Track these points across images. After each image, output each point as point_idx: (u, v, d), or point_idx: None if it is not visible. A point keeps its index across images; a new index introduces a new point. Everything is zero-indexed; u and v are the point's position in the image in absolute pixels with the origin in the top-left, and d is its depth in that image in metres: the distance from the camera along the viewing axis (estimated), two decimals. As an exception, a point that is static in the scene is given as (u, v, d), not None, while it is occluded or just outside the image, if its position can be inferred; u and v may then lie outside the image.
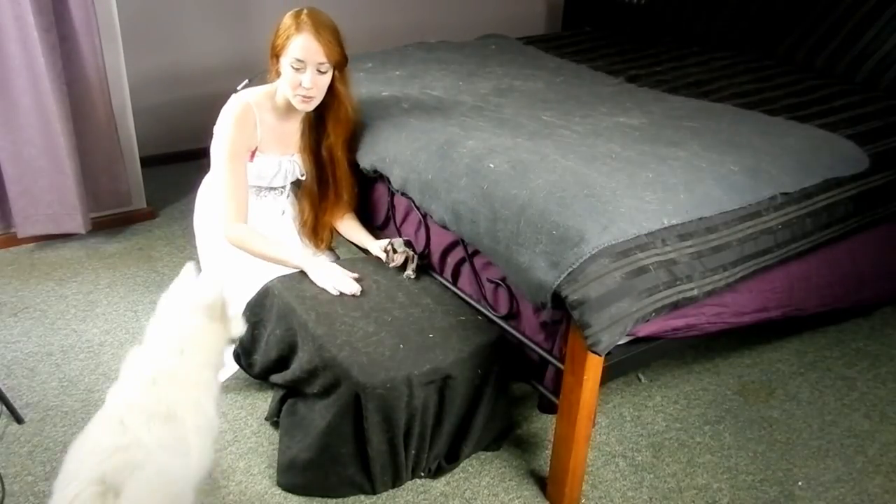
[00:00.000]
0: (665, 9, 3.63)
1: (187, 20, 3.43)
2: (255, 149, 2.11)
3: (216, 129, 2.10)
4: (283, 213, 2.27)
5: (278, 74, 2.04)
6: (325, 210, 2.23)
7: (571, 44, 3.32)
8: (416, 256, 2.10)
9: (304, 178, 2.22)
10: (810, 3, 3.06)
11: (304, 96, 2.01)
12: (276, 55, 2.01)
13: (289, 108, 2.09)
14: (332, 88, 2.08)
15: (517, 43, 3.21)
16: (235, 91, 2.15)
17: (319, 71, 1.98)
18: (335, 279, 2.02)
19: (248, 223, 2.10)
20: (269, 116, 2.11)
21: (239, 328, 1.65)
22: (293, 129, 2.17)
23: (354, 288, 2.00)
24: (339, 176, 2.19)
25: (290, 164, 2.19)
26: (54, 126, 2.64)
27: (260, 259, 2.09)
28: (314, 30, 1.95)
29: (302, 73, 1.97)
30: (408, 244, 2.12)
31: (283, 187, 2.24)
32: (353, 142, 2.21)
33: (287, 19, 1.99)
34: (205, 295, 1.53)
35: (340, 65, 2.04)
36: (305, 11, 1.99)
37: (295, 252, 2.12)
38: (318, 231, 2.25)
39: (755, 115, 2.37)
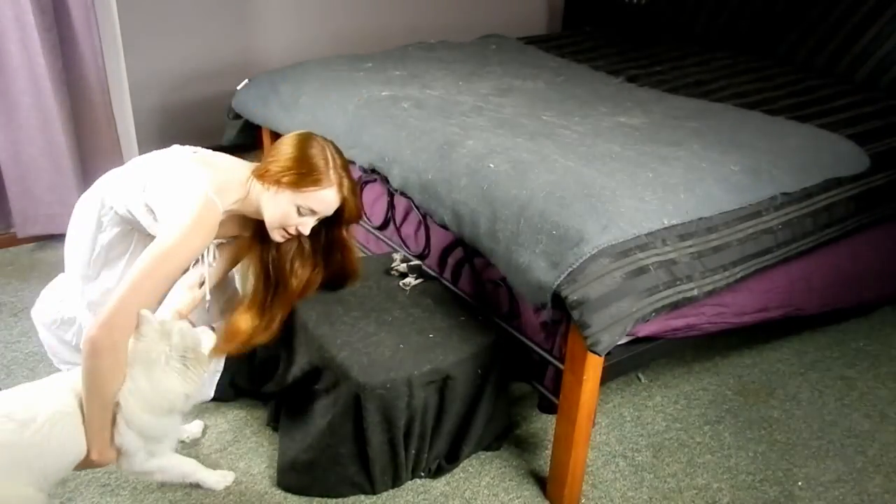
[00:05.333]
0: (665, 9, 3.63)
1: (187, 20, 3.43)
2: None
3: (172, 216, 1.61)
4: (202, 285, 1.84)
5: (266, 188, 1.70)
6: (273, 305, 1.85)
7: (571, 44, 3.32)
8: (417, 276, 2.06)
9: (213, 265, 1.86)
10: (810, 3, 3.06)
11: (290, 236, 1.77)
12: (279, 182, 1.68)
13: (248, 219, 1.80)
14: (338, 239, 1.87)
15: (517, 43, 3.21)
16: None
17: (318, 218, 1.76)
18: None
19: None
20: (225, 226, 1.75)
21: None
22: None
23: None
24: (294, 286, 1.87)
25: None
26: (54, 126, 2.64)
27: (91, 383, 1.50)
28: (340, 184, 1.72)
29: (304, 218, 1.72)
30: (415, 267, 2.07)
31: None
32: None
33: (320, 160, 1.70)
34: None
35: (354, 221, 1.84)
36: (339, 161, 1.74)
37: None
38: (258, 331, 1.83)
39: (755, 115, 2.37)
